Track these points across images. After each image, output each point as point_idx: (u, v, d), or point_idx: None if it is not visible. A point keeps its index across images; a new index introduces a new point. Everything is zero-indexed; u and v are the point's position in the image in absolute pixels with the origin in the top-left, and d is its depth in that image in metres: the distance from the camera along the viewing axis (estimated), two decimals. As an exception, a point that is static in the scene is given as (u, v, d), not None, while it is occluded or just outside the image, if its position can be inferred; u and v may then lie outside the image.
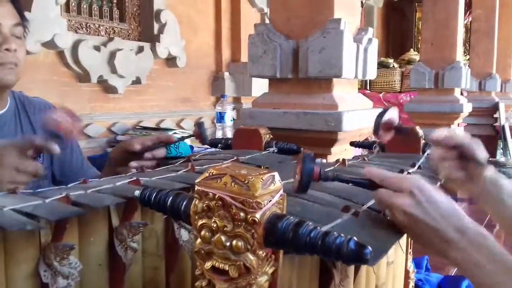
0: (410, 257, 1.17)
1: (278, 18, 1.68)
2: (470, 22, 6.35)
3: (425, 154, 1.15)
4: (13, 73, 1.18)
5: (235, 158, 1.05)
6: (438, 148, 0.89)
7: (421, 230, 0.65)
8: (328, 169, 0.95)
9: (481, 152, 0.87)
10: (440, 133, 0.88)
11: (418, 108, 3.70)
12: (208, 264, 0.53)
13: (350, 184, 0.79)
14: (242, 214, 0.50)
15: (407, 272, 1.14)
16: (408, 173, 0.94)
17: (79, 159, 1.40)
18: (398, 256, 1.04)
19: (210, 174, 0.53)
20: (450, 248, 0.64)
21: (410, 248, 1.16)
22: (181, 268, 0.86)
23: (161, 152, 1.15)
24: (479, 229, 0.64)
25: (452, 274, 2.12)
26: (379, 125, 0.96)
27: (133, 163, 1.11)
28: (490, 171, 0.88)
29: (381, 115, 0.97)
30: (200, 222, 0.53)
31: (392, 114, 1.01)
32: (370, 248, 0.49)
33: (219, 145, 1.31)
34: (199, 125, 1.20)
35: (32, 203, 0.64)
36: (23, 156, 0.90)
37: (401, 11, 8.34)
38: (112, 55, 2.99)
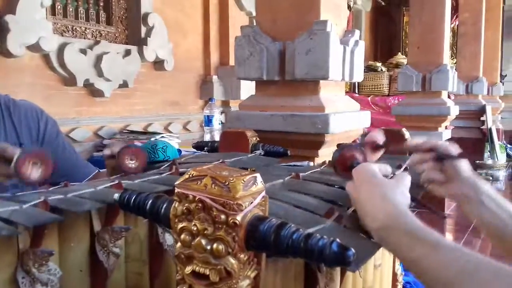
0: (397, 260, 1.16)
1: (265, 20, 1.67)
2: (457, 25, 6.41)
3: (412, 155, 1.15)
4: None
5: (220, 161, 1.04)
6: (417, 154, 0.93)
7: (358, 210, 0.70)
8: (312, 170, 0.94)
9: (454, 150, 0.91)
10: (412, 142, 0.95)
11: (406, 111, 3.72)
12: (188, 269, 0.52)
13: None
14: (222, 216, 0.49)
15: (394, 275, 1.13)
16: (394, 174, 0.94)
17: (72, 158, 1.38)
18: (385, 259, 1.03)
19: (190, 175, 0.52)
20: (375, 228, 0.66)
21: (398, 250, 1.15)
22: (166, 273, 0.84)
23: None
24: (402, 211, 0.66)
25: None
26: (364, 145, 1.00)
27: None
28: (467, 172, 0.89)
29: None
30: (180, 225, 0.52)
31: (374, 135, 1.03)
32: (353, 250, 0.48)
33: (205, 148, 1.30)
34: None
35: (9, 209, 0.63)
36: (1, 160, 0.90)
37: (389, 15, 8.40)
38: (99, 59, 2.96)
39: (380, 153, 1.04)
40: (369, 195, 0.68)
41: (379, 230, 0.65)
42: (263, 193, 0.53)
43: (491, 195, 0.87)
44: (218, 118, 3.02)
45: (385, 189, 0.68)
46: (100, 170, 1.39)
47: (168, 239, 0.80)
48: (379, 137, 1.01)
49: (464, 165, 0.89)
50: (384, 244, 0.66)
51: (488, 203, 0.87)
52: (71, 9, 3.01)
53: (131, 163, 0.94)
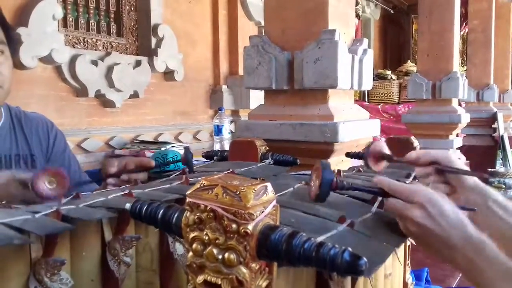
0: (408, 269, 1.15)
1: (273, 30, 1.68)
2: (467, 33, 6.39)
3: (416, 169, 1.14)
4: None
5: (230, 170, 1.04)
6: (418, 168, 0.92)
7: (432, 239, 0.70)
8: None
9: (457, 161, 0.89)
10: (413, 154, 0.93)
11: (416, 119, 3.70)
12: (200, 278, 0.52)
13: (363, 192, 0.82)
14: (234, 225, 0.49)
15: (405, 284, 1.12)
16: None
17: (76, 175, 1.38)
18: (396, 267, 1.02)
19: (202, 185, 0.52)
20: (456, 255, 0.69)
21: (408, 260, 1.15)
22: (176, 283, 0.84)
23: (140, 176, 1.10)
24: (480, 236, 0.69)
25: (453, 287, 2.09)
26: (367, 156, 0.99)
27: (111, 180, 1.10)
28: (471, 180, 0.88)
29: (367, 147, 0.99)
30: (191, 235, 0.52)
31: (378, 145, 1.03)
32: (365, 259, 0.48)
33: (215, 157, 1.31)
34: (185, 151, 1.14)
35: (21, 218, 0.63)
36: (26, 187, 0.90)
37: (398, 23, 8.40)
38: (110, 70, 2.99)
39: (384, 163, 1.03)
40: (450, 222, 0.69)
41: (465, 257, 0.67)
42: (274, 202, 0.53)
43: (499, 200, 0.87)
44: (227, 128, 3.04)
45: (463, 219, 0.70)
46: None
47: (178, 248, 0.81)
48: (383, 147, 1.00)
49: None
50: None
51: (496, 209, 0.86)
52: (82, 21, 3.05)
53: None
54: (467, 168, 0.90)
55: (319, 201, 0.76)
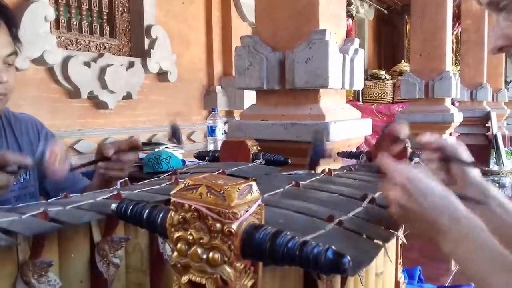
0: (400, 268, 1.15)
1: (264, 30, 1.69)
2: (460, 32, 6.42)
3: (412, 162, 1.15)
4: (1, 102, 1.18)
5: (221, 170, 1.04)
6: (425, 152, 0.91)
7: (416, 221, 0.67)
8: (312, 179, 0.94)
9: (464, 153, 0.88)
10: (425, 137, 0.91)
11: (409, 118, 3.70)
12: (185, 278, 0.52)
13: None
14: (218, 225, 0.49)
15: (397, 283, 1.13)
16: None
17: (70, 172, 1.39)
18: (387, 266, 1.03)
19: (186, 185, 0.52)
20: (443, 239, 0.65)
21: (400, 258, 1.15)
22: (167, 284, 0.84)
23: (129, 156, 1.19)
24: (474, 220, 0.65)
25: (447, 284, 2.10)
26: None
27: (100, 164, 1.19)
28: (473, 174, 0.88)
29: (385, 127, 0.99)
30: (176, 235, 0.52)
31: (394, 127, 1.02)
32: (348, 257, 0.48)
33: (207, 158, 1.31)
34: (172, 127, 1.21)
35: (8, 219, 0.63)
36: None
37: (391, 23, 8.42)
38: (103, 71, 2.99)
39: (400, 146, 1.03)
40: (437, 203, 0.66)
41: (452, 241, 0.63)
42: (259, 202, 0.53)
43: (499, 200, 0.86)
44: (221, 128, 3.04)
45: (453, 200, 0.66)
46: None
47: (168, 249, 0.81)
48: (400, 130, 1.00)
49: (473, 169, 0.88)
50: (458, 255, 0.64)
51: (495, 208, 0.86)
52: (75, 23, 3.04)
53: None
54: (470, 157, 0.89)
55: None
